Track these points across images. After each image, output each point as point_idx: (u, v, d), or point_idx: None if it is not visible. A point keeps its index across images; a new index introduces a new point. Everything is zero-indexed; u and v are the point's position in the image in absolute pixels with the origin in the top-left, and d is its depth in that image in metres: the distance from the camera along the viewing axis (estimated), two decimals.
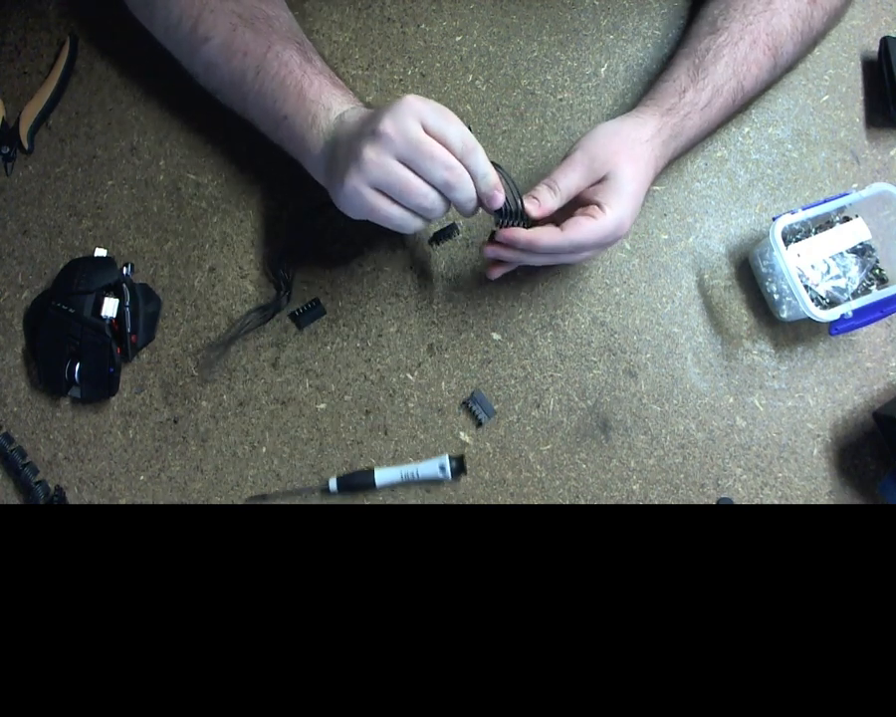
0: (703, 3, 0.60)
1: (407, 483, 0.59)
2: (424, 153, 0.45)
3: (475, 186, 0.48)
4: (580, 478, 0.60)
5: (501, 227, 0.51)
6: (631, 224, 0.52)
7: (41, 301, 0.62)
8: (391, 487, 0.60)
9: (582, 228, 0.50)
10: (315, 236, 0.63)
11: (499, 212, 0.50)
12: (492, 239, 0.53)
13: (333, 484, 0.59)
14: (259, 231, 0.63)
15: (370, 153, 0.45)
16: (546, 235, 0.50)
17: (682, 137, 0.56)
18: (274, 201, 0.64)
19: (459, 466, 0.58)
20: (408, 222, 0.49)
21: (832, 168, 0.64)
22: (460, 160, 0.46)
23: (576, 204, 0.53)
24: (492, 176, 0.48)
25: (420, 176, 0.46)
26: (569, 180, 0.52)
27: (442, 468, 0.58)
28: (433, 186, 0.47)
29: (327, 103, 0.52)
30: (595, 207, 0.51)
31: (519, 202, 0.51)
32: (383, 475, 0.58)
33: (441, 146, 0.45)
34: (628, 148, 0.52)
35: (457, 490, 0.60)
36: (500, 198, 0.49)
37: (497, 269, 0.56)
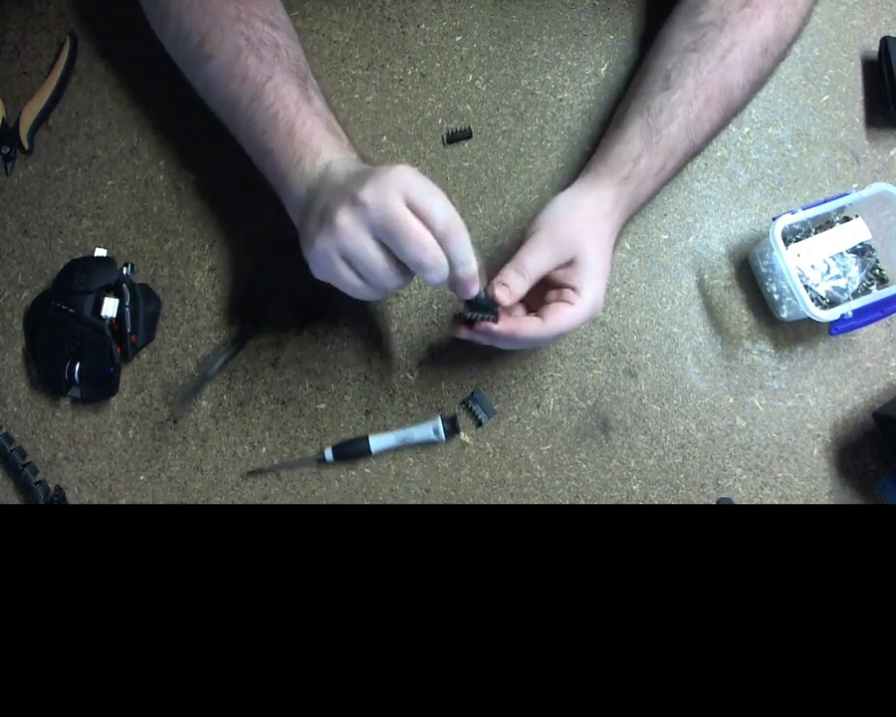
0: (654, 54, 0.58)
1: (402, 447, 0.60)
2: (400, 231, 0.42)
3: (451, 272, 0.45)
4: (580, 478, 0.60)
5: (471, 318, 0.49)
6: (603, 300, 0.52)
7: (41, 301, 0.62)
8: (386, 452, 0.60)
9: (563, 316, 0.49)
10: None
11: (469, 302, 0.48)
12: (463, 321, 0.50)
13: (329, 454, 0.59)
14: (259, 231, 0.63)
15: (345, 220, 0.43)
16: (527, 327, 0.49)
17: (637, 203, 0.55)
18: (274, 201, 0.64)
19: (452, 427, 0.59)
20: (370, 296, 0.47)
21: (832, 168, 0.64)
22: (440, 242, 0.43)
23: (544, 285, 0.51)
24: (471, 265, 0.45)
25: (393, 253, 0.44)
26: (537, 263, 0.50)
27: (436, 431, 0.59)
28: (406, 263, 0.44)
29: (316, 147, 0.50)
30: (570, 292, 0.50)
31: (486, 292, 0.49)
32: (378, 441, 0.59)
33: (420, 225, 0.43)
34: (591, 225, 0.51)
35: (457, 490, 0.60)
36: (475, 289, 0.46)
37: (466, 332, 0.51)
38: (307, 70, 0.56)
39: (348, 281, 0.46)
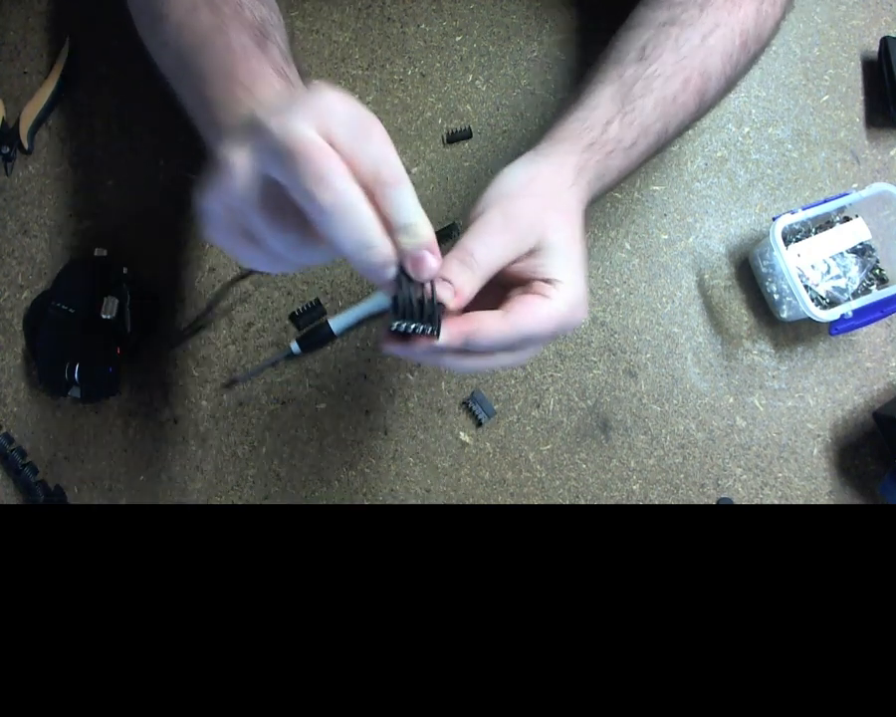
0: (625, 29, 0.51)
1: (365, 321, 0.61)
2: (297, 158, 0.29)
3: (392, 241, 0.31)
4: (580, 478, 0.60)
5: (400, 329, 0.33)
6: (587, 298, 0.39)
7: (41, 301, 0.62)
8: (350, 331, 0.61)
9: (536, 312, 0.36)
10: None
11: (396, 305, 0.32)
12: (393, 331, 0.34)
13: (294, 347, 0.60)
14: None
15: (236, 155, 0.32)
16: (488, 324, 0.35)
17: (603, 181, 0.45)
18: None
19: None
20: (272, 266, 0.34)
21: (832, 168, 0.64)
22: (370, 190, 0.30)
23: (500, 288, 0.39)
24: (422, 230, 0.31)
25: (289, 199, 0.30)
26: (488, 251, 0.36)
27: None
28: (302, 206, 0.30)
29: (260, 94, 0.39)
30: (542, 285, 0.37)
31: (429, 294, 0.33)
32: (339, 321, 0.60)
33: (326, 149, 0.29)
34: (553, 200, 0.40)
35: (457, 490, 0.60)
36: (431, 265, 0.32)
37: (397, 346, 0.35)
38: (271, 31, 0.46)
39: (234, 246, 0.34)
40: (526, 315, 0.36)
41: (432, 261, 0.32)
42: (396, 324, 0.33)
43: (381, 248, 0.30)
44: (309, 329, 0.61)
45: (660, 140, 0.48)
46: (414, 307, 0.33)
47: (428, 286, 0.33)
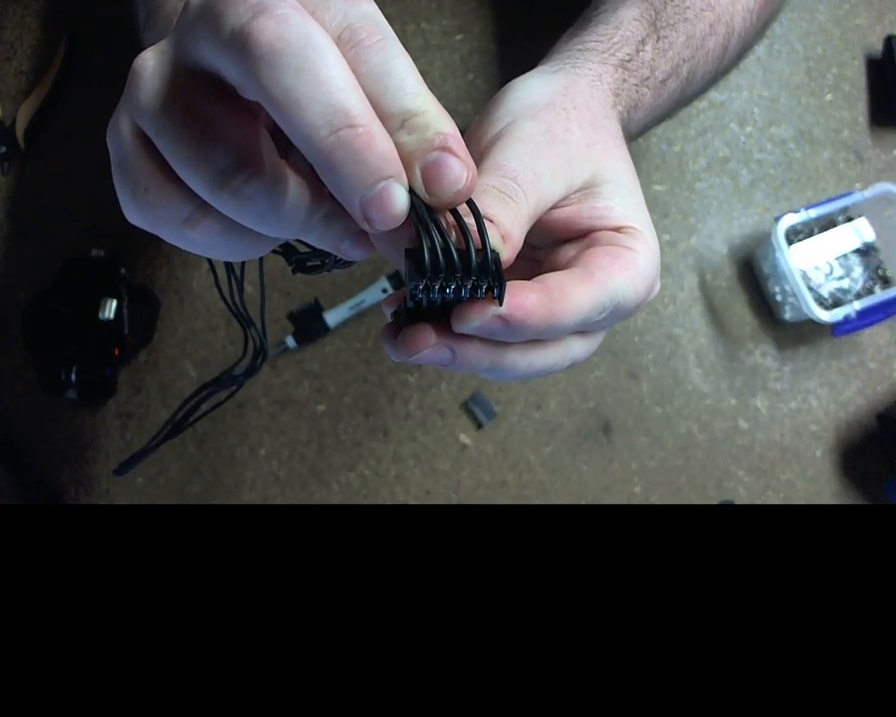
0: None
1: (359, 315, 0.61)
2: (217, 16, 0.19)
3: (373, 141, 0.19)
4: (582, 480, 0.60)
5: (422, 298, 0.21)
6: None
7: (38, 302, 0.61)
8: (345, 324, 0.61)
9: (627, 266, 0.26)
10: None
11: (416, 258, 0.20)
12: (407, 316, 0.23)
13: (290, 341, 0.60)
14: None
15: (144, 54, 0.23)
16: (573, 287, 0.24)
17: (634, 117, 0.34)
18: None
19: (399, 281, 0.60)
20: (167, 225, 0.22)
21: (836, 168, 0.64)
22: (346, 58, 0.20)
23: (528, 253, 0.29)
24: (433, 117, 0.21)
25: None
26: (536, 178, 0.25)
27: (385, 290, 0.60)
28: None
29: None
30: (614, 235, 0.27)
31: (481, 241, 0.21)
32: (334, 316, 0.60)
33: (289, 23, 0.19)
34: (602, 121, 0.29)
35: (458, 492, 0.60)
36: (456, 171, 0.20)
37: (419, 339, 0.23)
38: None
39: (146, 201, 0.22)
40: (616, 271, 0.25)
41: (458, 166, 0.20)
42: (420, 287, 0.20)
43: (368, 127, 0.19)
44: (305, 324, 0.61)
45: (686, 89, 0.39)
46: (448, 255, 0.20)
47: (469, 221, 0.21)
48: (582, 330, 0.26)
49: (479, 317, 0.21)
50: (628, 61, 0.34)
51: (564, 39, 0.37)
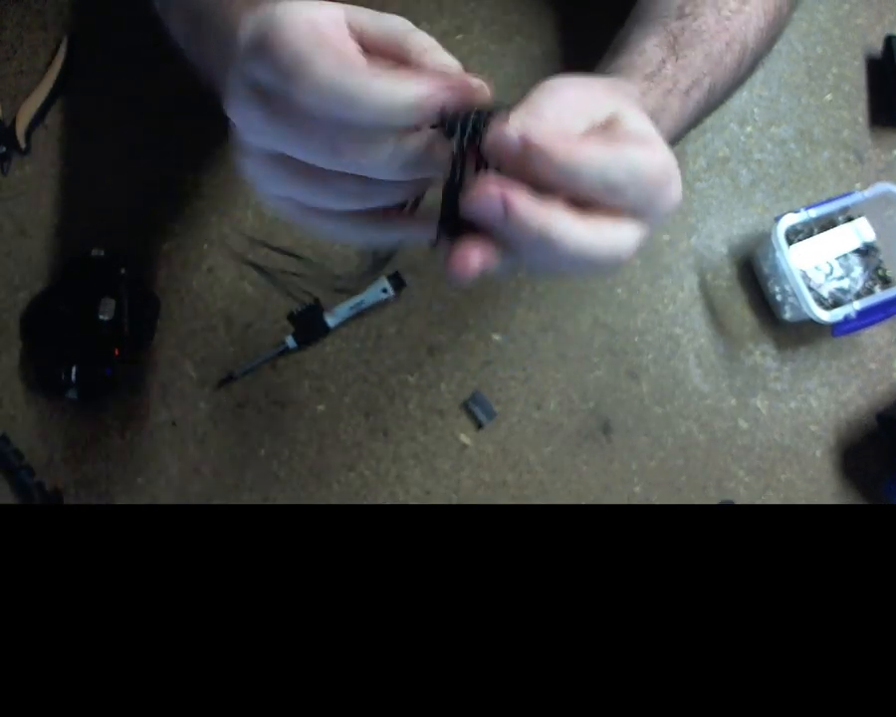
0: None
1: (359, 315, 0.61)
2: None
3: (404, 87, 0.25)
4: (582, 480, 0.60)
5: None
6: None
7: (38, 302, 0.61)
8: (345, 324, 0.61)
9: (642, 144, 0.28)
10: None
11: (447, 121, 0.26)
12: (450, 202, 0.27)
13: (290, 341, 0.60)
14: (258, 232, 0.63)
15: (231, 77, 0.28)
16: (589, 140, 0.28)
17: (663, 117, 0.39)
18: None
19: (398, 282, 0.60)
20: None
21: (836, 168, 0.64)
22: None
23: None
24: (449, 59, 0.28)
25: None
26: (563, 108, 0.29)
27: (385, 290, 0.60)
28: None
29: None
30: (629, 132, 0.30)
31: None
32: (334, 316, 0.60)
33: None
34: (625, 93, 0.34)
35: (458, 492, 0.60)
36: (477, 83, 0.26)
37: (472, 257, 0.26)
38: None
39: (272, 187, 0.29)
40: (632, 146, 0.28)
41: (477, 82, 0.26)
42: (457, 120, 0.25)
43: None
44: (305, 324, 0.61)
45: (709, 100, 0.44)
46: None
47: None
48: (613, 199, 0.27)
49: (499, 132, 0.25)
50: (652, 75, 0.39)
51: (608, 60, 0.42)
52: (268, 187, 0.29)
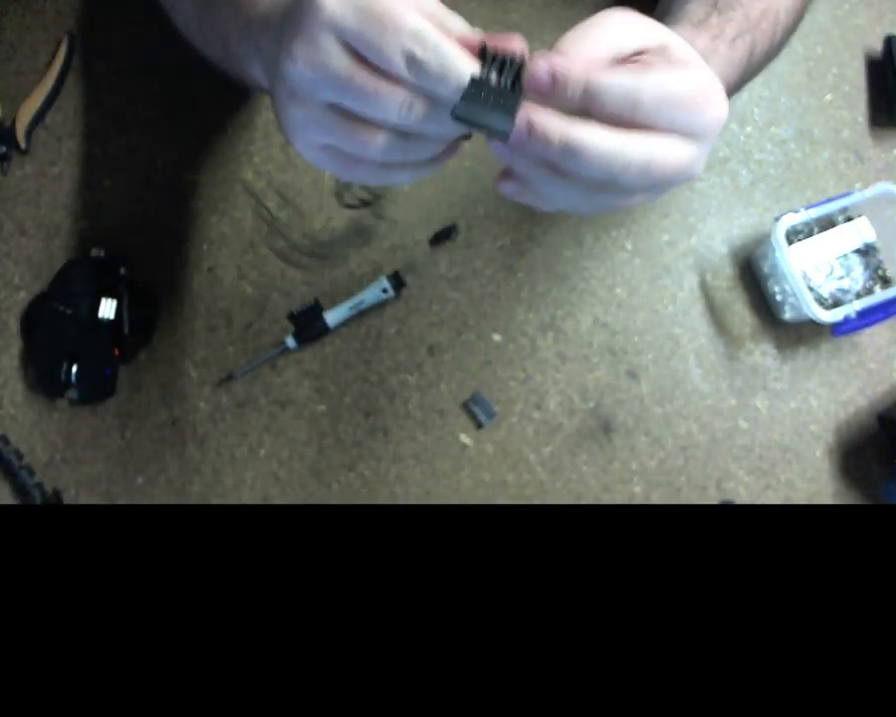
0: None
1: (359, 315, 0.61)
2: (350, 92, 0.29)
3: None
4: (582, 480, 0.60)
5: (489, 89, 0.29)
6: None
7: (38, 302, 0.61)
8: (345, 324, 0.61)
9: (674, 70, 0.30)
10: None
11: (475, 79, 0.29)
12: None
13: (290, 341, 0.60)
14: (257, 232, 0.63)
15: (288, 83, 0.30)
16: (610, 71, 0.30)
17: (714, 63, 0.39)
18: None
19: (398, 282, 0.60)
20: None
21: (836, 168, 0.64)
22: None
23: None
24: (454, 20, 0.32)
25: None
26: (619, 28, 0.32)
27: (385, 290, 0.60)
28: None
29: None
30: (673, 58, 0.32)
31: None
32: (334, 315, 0.60)
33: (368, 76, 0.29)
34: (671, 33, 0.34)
35: (457, 492, 0.60)
36: (515, 39, 0.31)
37: (510, 181, 0.33)
38: None
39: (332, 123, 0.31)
40: (662, 68, 0.30)
41: (515, 39, 0.30)
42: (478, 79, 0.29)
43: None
44: (305, 324, 0.61)
45: (751, 60, 0.44)
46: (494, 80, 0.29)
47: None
48: (647, 120, 0.29)
49: (532, 66, 0.29)
50: (699, 23, 0.40)
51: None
52: (316, 136, 0.31)
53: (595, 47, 0.31)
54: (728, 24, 0.42)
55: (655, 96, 0.29)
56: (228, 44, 0.41)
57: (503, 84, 0.29)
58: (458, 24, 0.32)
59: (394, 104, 0.29)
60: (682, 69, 0.30)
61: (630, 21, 0.32)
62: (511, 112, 0.28)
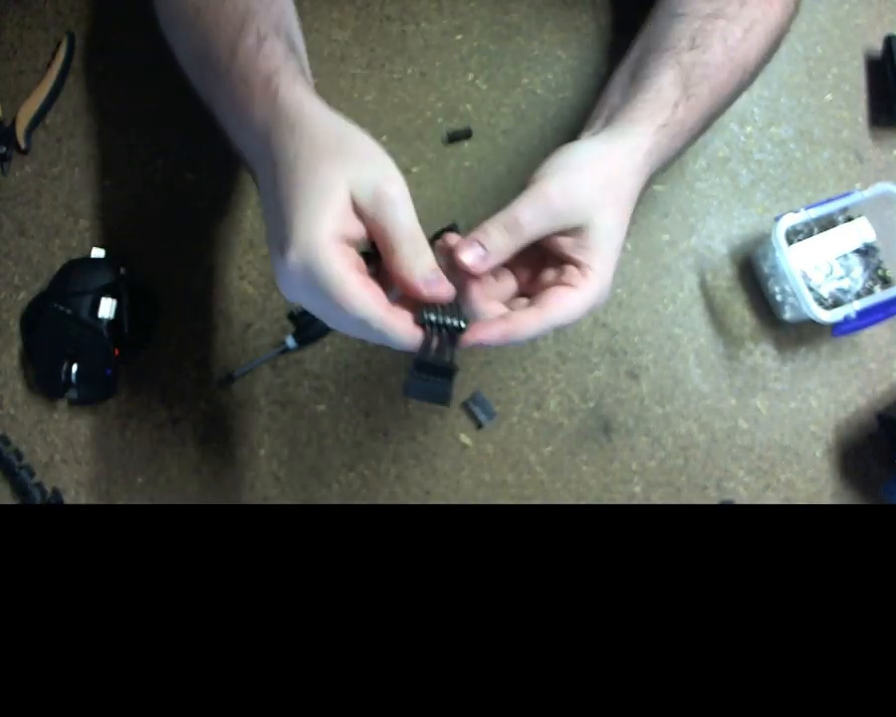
0: (669, 16, 0.51)
1: None
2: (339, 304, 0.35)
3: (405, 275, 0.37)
4: (582, 480, 0.60)
5: (429, 322, 0.37)
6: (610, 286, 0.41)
7: (38, 302, 0.61)
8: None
9: (566, 305, 0.39)
10: None
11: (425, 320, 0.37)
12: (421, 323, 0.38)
13: (290, 341, 0.60)
14: (257, 232, 0.63)
15: (285, 274, 0.36)
16: (524, 323, 0.38)
17: (664, 161, 0.46)
18: None
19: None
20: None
21: (836, 168, 0.64)
22: (370, 221, 0.37)
23: (535, 251, 0.41)
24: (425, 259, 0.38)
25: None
26: (535, 221, 0.39)
27: None
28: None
29: (279, 69, 0.41)
30: (574, 271, 0.40)
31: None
32: None
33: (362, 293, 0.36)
34: (616, 186, 0.41)
35: (457, 492, 0.60)
36: (443, 290, 0.37)
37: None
38: (295, 34, 0.47)
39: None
40: (558, 309, 0.39)
41: (443, 289, 0.38)
42: (427, 316, 0.37)
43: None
44: (306, 324, 0.61)
45: (706, 126, 0.49)
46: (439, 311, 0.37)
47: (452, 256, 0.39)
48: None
49: (483, 332, 0.38)
50: (664, 126, 0.44)
51: (617, 95, 0.48)
52: (301, 299, 0.38)
53: (517, 245, 0.39)
54: (691, 113, 0.46)
55: (550, 329, 0.39)
56: (223, 124, 0.46)
57: (443, 357, 0.36)
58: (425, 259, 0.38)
59: (358, 333, 0.37)
60: (574, 297, 0.39)
61: (569, 199, 0.39)
62: (448, 386, 0.36)
